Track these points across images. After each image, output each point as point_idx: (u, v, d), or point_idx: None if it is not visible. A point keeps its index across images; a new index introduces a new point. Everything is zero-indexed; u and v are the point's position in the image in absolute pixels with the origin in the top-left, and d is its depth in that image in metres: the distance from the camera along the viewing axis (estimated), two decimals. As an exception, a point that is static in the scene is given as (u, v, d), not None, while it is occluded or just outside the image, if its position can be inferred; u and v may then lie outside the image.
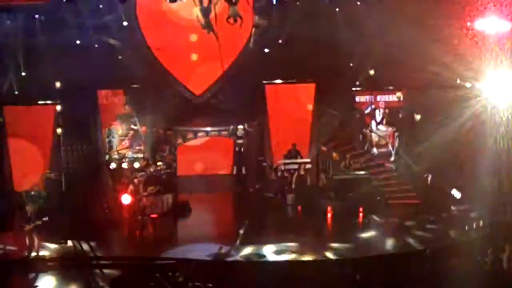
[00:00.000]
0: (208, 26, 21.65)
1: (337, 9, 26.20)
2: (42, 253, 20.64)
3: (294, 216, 25.08)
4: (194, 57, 27.59)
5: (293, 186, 25.46)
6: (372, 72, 25.92)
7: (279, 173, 25.65)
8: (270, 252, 20.85)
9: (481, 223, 22.04)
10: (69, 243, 21.61)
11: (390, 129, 27.19)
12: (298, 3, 26.02)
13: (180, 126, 26.92)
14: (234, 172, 28.11)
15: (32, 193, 24.40)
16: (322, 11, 25.95)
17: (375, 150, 27.09)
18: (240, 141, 27.27)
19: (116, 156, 25.37)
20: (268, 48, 26.88)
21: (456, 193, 23.77)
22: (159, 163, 25.10)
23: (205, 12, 21.17)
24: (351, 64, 26.51)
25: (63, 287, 19.12)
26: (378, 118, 27.41)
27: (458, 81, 24.15)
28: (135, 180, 23.96)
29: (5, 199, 24.55)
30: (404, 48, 24.96)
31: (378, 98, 27.38)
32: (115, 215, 23.67)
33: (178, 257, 20.57)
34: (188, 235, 23.70)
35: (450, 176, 24.81)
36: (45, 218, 20.54)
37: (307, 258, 20.36)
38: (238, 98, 27.55)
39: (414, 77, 24.85)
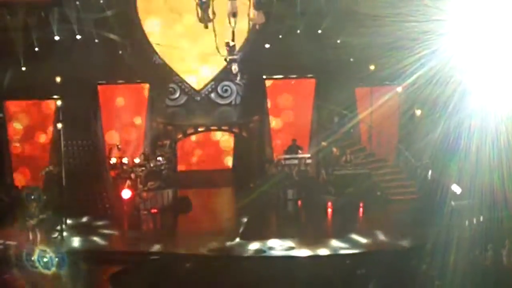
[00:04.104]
0: (206, 20, 21.58)
1: (337, 4, 26.18)
2: (44, 248, 20.66)
3: (295, 211, 25.12)
4: (194, 52, 27.60)
5: (294, 181, 25.44)
6: (372, 67, 25.90)
7: (279, 168, 25.64)
8: (270, 247, 20.88)
9: (481, 218, 22.06)
10: (69, 237, 21.69)
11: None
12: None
13: (180, 121, 26.93)
14: (235, 167, 28.16)
15: (34, 188, 24.43)
16: (322, 6, 25.93)
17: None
18: (240, 136, 27.26)
19: (117, 151, 25.34)
20: (268, 43, 26.86)
21: (456, 188, 23.76)
22: (159, 158, 25.09)
23: (204, 6, 21.09)
24: (351, 59, 26.49)
25: (64, 282, 19.16)
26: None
27: (459, 76, 24.11)
28: (135, 175, 23.99)
29: (6, 194, 24.59)
30: (405, 43, 24.97)
31: (379, 92, 27.37)
32: (116, 210, 23.70)
33: (178, 252, 20.61)
34: (188, 230, 23.75)
35: (450, 171, 24.82)
36: (48, 213, 20.62)
37: (308, 253, 20.39)
38: (238, 93, 27.59)
39: (415, 72, 24.83)
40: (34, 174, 25.20)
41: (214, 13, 21.46)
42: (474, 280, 17.16)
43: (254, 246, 20.98)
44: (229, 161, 28.67)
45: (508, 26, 21.25)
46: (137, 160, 24.92)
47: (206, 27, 21.77)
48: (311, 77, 27.48)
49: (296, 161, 25.68)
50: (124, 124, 26.83)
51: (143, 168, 24.39)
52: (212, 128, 27.11)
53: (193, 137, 27.87)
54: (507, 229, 19.70)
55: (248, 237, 21.70)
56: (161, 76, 27.36)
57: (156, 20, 27.20)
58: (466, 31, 22.45)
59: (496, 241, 18.57)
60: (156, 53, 27.20)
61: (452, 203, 23.83)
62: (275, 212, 24.81)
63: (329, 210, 24.43)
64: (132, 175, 24.03)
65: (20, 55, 25.06)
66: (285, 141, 26.84)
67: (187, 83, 27.92)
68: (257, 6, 21.34)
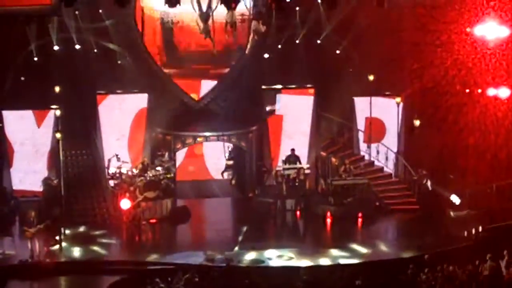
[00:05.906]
0: (206, 31, 21.64)
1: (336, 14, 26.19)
2: (43, 257, 20.67)
3: (293, 221, 25.07)
4: (193, 62, 27.59)
5: (293, 191, 25.40)
6: (371, 77, 25.89)
7: (278, 178, 25.60)
8: (269, 257, 20.86)
9: (480, 228, 22.06)
10: (68, 247, 21.66)
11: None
12: (297, 8, 26.03)
13: (179, 131, 26.87)
14: (233, 177, 28.10)
15: (34, 197, 24.49)
16: (321, 17, 25.97)
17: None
18: (239, 146, 27.21)
19: (116, 161, 25.30)
20: (267, 53, 26.86)
21: (455, 199, 23.76)
22: (158, 168, 25.07)
23: (203, 17, 21.14)
24: (350, 69, 26.51)
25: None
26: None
27: (458, 87, 24.16)
28: (134, 185, 23.97)
29: (5, 203, 24.58)
30: (404, 54, 25.03)
31: (378, 102, 27.35)
32: (114, 220, 23.66)
33: (177, 262, 20.58)
34: (187, 240, 23.73)
35: (449, 181, 24.82)
36: (47, 222, 20.63)
37: (307, 263, 20.37)
38: (237, 103, 27.54)
39: (413, 83, 24.88)
40: (34, 184, 25.24)
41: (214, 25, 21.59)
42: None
43: (252, 256, 20.97)
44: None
45: (505, 36, 21.37)
46: (136, 170, 24.89)
47: (207, 37, 21.89)
48: (310, 87, 27.49)
49: (295, 171, 25.61)
50: (123, 134, 26.81)
51: (142, 178, 24.36)
52: (211, 138, 27.04)
53: (192, 147, 27.78)
54: (505, 239, 19.72)
55: (247, 247, 21.67)
56: (160, 86, 27.31)
57: (155, 29, 27.18)
58: (465, 41, 22.57)
59: (494, 251, 18.57)
60: (155, 63, 27.14)
61: (451, 213, 23.88)
62: (274, 222, 24.76)
63: (328, 220, 24.38)
64: (131, 185, 24.00)
65: (19, 65, 25.03)
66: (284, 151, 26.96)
67: (186, 93, 27.85)
68: (257, 16, 21.48)
